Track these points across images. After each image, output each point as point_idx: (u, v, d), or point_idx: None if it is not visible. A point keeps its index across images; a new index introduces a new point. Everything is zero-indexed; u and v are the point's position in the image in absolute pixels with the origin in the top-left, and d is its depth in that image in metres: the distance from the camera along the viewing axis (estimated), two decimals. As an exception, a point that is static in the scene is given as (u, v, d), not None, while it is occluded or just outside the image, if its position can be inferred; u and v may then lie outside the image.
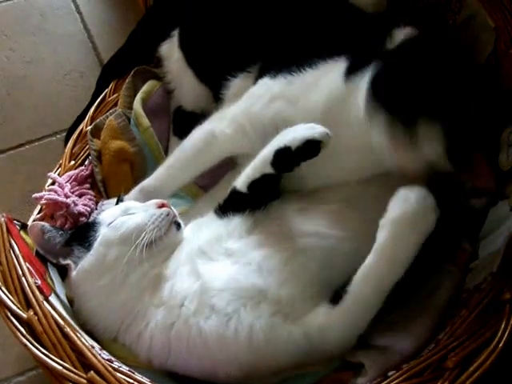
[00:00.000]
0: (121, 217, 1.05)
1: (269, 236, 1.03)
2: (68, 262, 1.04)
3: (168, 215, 1.06)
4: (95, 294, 1.01)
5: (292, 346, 0.93)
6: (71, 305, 1.05)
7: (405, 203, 0.93)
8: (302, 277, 0.97)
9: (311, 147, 1.00)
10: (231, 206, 1.08)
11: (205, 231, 1.08)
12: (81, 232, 1.06)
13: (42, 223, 1.06)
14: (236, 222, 1.06)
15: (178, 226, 1.07)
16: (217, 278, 0.98)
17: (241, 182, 1.08)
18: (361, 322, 0.93)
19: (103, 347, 0.98)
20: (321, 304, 0.95)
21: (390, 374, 0.90)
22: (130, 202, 1.14)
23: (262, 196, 1.08)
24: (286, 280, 0.96)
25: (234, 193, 1.08)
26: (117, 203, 1.17)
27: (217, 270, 0.99)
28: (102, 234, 1.03)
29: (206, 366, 0.95)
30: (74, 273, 1.03)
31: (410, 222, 0.92)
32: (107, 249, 1.01)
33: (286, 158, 1.02)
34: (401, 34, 1.14)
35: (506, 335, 0.85)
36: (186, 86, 1.40)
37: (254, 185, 1.06)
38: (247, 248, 1.02)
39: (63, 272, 1.08)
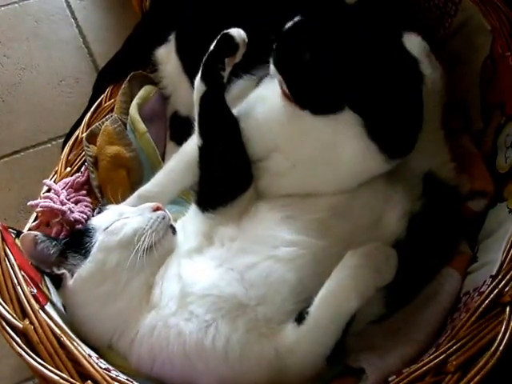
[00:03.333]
0: (117, 221, 1.04)
1: (252, 244, 1.02)
2: (63, 271, 1.02)
3: (164, 218, 1.05)
4: (92, 302, 1.00)
5: (265, 362, 0.93)
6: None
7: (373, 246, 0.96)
8: (281, 291, 0.96)
9: (227, 42, 1.05)
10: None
11: (190, 232, 1.07)
12: (75, 239, 1.04)
13: (35, 233, 1.04)
14: (218, 230, 1.05)
15: (174, 229, 1.07)
16: (198, 282, 0.97)
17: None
18: (323, 344, 0.93)
19: (101, 356, 0.97)
20: (290, 323, 0.94)
21: (390, 379, 0.90)
22: (122, 205, 1.13)
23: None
24: (265, 296, 0.96)
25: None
26: (99, 212, 1.17)
27: (199, 273, 0.99)
28: (100, 240, 1.01)
29: (187, 377, 0.95)
30: (70, 282, 1.01)
31: (374, 262, 0.93)
32: (107, 255, 1.00)
33: (209, 61, 1.06)
34: (405, 39, 1.14)
35: (506, 338, 0.85)
36: (182, 91, 1.39)
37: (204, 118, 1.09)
38: (230, 254, 1.01)
39: (56, 280, 1.06)
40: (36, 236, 1.02)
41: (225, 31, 1.06)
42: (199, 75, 1.07)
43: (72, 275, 1.01)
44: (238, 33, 1.06)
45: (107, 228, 1.03)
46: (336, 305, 0.91)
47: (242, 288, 0.96)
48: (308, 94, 0.98)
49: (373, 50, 0.94)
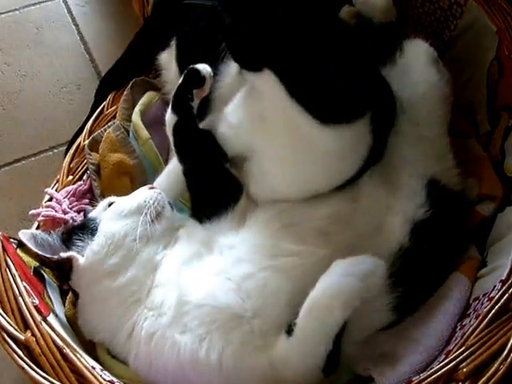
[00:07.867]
0: (118, 201, 1.08)
1: (250, 253, 1.00)
2: (71, 253, 1.02)
3: (161, 194, 1.10)
4: (105, 276, 1.00)
5: (259, 375, 0.91)
6: (70, 323, 1.03)
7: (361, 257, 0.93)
8: (278, 303, 0.95)
9: (194, 75, 1.12)
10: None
11: (191, 239, 1.07)
12: (77, 227, 1.07)
13: (30, 231, 1.04)
14: (217, 239, 1.04)
15: (171, 205, 1.11)
16: (195, 291, 0.97)
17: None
18: (314, 355, 0.90)
19: (105, 367, 0.97)
20: (282, 334, 0.92)
21: (400, 387, 0.89)
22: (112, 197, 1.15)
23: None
24: (262, 308, 0.94)
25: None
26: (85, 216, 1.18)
27: (197, 282, 0.98)
28: (105, 214, 1.05)
29: None
30: (81, 260, 1.01)
31: (361, 273, 0.90)
32: (115, 226, 1.02)
33: (178, 93, 1.13)
34: (412, 45, 1.13)
35: (517, 344, 0.83)
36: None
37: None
38: (228, 263, 1.00)
39: (62, 292, 1.07)
40: (32, 233, 1.04)
41: (191, 66, 1.13)
42: (170, 107, 1.13)
43: (82, 255, 1.02)
44: (203, 67, 1.12)
45: (109, 207, 1.07)
46: (320, 315, 0.89)
47: (238, 298, 0.95)
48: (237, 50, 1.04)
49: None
